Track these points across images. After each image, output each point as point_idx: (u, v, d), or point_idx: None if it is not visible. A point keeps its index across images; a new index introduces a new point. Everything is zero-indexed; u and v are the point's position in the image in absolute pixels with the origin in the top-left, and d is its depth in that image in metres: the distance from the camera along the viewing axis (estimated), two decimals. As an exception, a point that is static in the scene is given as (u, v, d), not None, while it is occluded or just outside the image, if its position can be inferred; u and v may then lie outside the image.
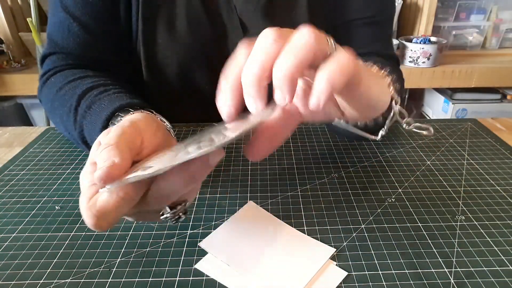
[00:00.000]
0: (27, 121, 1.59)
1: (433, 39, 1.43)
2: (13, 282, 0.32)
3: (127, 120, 0.31)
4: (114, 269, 0.33)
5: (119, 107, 0.39)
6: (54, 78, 0.53)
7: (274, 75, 0.25)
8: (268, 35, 0.26)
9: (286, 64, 0.25)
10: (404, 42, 1.42)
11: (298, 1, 0.58)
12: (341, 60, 0.26)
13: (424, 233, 0.36)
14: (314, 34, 0.25)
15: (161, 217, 0.30)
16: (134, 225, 0.38)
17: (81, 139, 0.44)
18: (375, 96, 0.34)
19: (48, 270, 0.33)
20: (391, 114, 0.37)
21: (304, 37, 0.25)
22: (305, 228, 0.37)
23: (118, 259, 0.34)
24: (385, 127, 0.38)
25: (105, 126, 0.39)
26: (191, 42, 0.57)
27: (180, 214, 0.30)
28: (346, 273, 0.32)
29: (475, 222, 0.38)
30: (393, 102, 0.37)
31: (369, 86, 0.32)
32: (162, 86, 0.60)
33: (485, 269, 0.32)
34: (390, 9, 0.64)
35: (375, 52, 0.60)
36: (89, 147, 0.42)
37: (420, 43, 1.38)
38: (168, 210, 0.29)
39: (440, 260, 0.33)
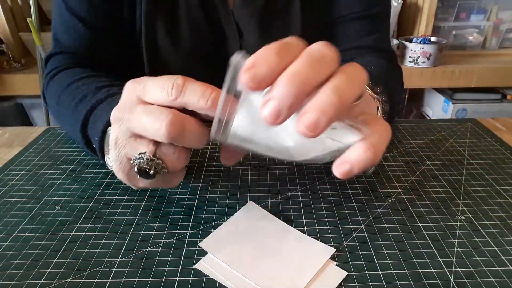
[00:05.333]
0: (27, 121, 1.59)
1: (433, 39, 1.43)
2: (13, 282, 0.32)
3: None
4: (114, 269, 0.33)
5: None
6: (62, 74, 0.53)
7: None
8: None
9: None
10: (404, 42, 1.42)
11: (292, 4, 0.58)
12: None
13: (424, 233, 0.36)
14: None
15: (135, 155, 0.29)
16: (134, 225, 0.38)
17: (84, 120, 0.42)
18: None
19: (48, 270, 0.33)
20: None
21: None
22: (305, 228, 0.37)
23: (118, 259, 0.34)
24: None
25: None
26: (192, 47, 0.57)
27: (149, 167, 0.29)
28: (346, 273, 0.32)
29: (475, 222, 0.38)
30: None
31: None
32: None
33: (485, 269, 0.32)
34: (383, 1, 0.62)
35: (369, 46, 0.59)
36: (86, 133, 0.42)
37: (420, 43, 1.38)
38: (144, 156, 0.29)
39: (440, 260, 0.33)
